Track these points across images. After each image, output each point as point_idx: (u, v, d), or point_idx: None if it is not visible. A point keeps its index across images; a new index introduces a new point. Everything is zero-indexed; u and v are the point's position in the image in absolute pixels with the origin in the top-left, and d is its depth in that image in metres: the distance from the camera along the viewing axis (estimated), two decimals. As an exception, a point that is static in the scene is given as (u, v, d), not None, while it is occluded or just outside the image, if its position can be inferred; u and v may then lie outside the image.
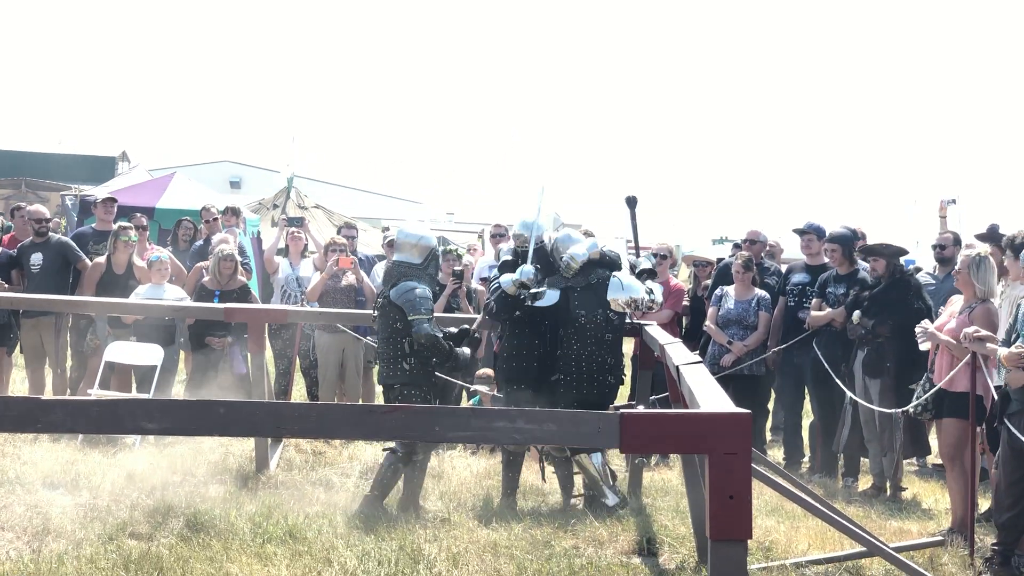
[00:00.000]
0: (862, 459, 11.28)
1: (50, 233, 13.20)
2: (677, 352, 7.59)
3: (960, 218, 14.91)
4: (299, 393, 13.56)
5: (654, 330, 9.64)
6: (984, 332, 8.50)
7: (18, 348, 13.12)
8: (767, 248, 13.35)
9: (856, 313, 10.78)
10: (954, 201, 13.37)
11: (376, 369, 9.98)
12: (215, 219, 14.70)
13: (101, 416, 4.48)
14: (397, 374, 9.49)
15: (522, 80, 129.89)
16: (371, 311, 10.26)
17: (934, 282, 11.72)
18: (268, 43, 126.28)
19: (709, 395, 5.36)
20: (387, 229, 10.83)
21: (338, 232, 14.63)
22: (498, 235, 14.36)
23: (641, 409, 9.03)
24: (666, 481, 10.71)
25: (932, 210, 13.53)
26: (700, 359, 7.08)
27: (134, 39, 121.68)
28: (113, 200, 14.21)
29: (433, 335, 9.36)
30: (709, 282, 12.87)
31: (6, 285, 12.46)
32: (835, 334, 11.17)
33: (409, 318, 9.32)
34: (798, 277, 11.94)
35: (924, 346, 9.52)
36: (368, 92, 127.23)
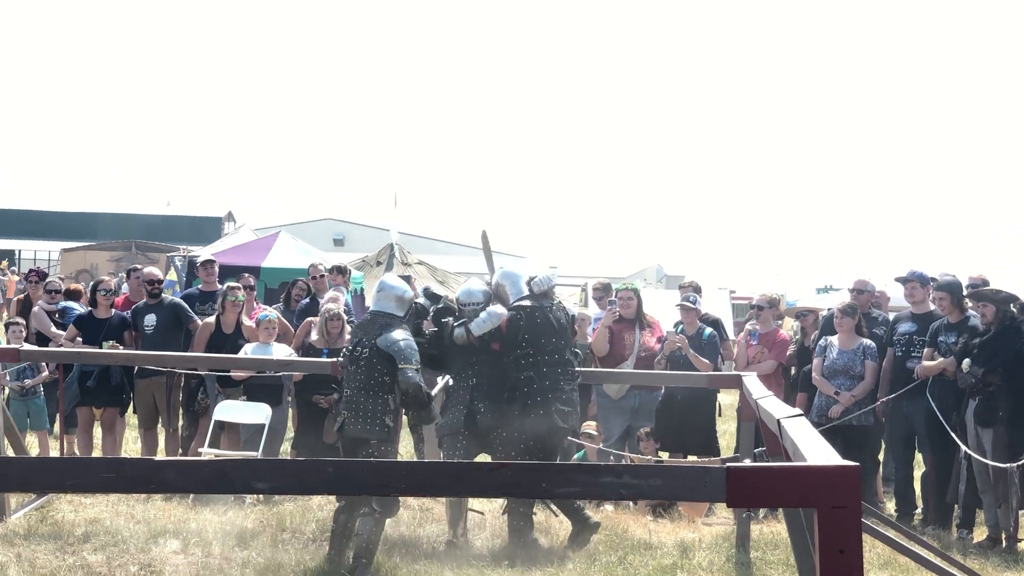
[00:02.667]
0: (977, 510, 11.08)
1: (163, 294, 13.49)
2: (774, 406, 7.53)
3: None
4: (405, 449, 13.63)
5: (751, 382, 9.58)
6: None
7: (131, 408, 13.37)
8: (874, 297, 13.19)
9: (966, 361, 10.62)
10: None
11: (343, 421, 9.64)
12: (322, 276, 14.88)
13: (212, 476, 4.54)
14: (376, 430, 9.35)
15: (626, 132, 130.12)
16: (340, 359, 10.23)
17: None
18: (369, 101, 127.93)
19: (814, 448, 5.31)
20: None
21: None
22: (601, 288, 14.38)
23: (747, 462, 8.97)
24: (776, 534, 10.60)
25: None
26: (800, 412, 7.02)
27: (238, 103, 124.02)
28: (212, 262, 14.52)
29: (419, 384, 9.33)
30: (817, 332, 12.74)
31: (120, 346, 12.75)
32: (947, 383, 11.01)
33: (400, 366, 9.26)
34: (905, 327, 11.79)
35: None
36: (469, 147, 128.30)
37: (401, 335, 9.40)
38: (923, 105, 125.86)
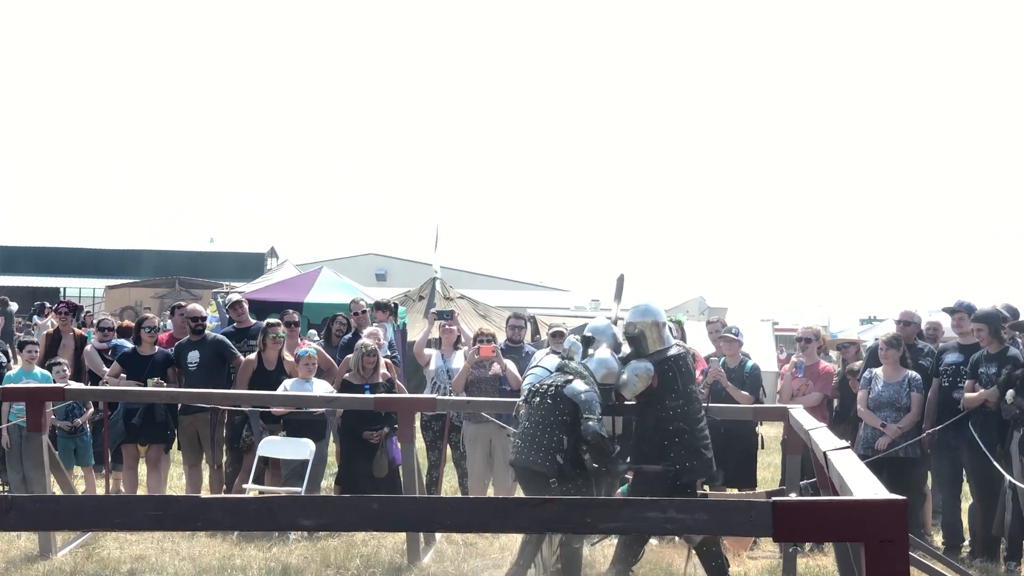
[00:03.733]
0: (1024, 542, 10.97)
1: (206, 331, 13.57)
2: (823, 438, 7.49)
3: None
4: (450, 484, 13.64)
5: (799, 414, 9.54)
6: None
7: (176, 444, 13.42)
8: (927, 329, 13.12)
9: (1009, 392, 10.55)
10: None
11: (513, 450, 9.71)
12: (364, 312, 14.93)
13: (258, 513, 4.57)
14: (546, 464, 9.25)
15: (668, 165, 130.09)
16: (520, 399, 10.05)
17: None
18: (409, 137, 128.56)
19: (861, 481, 5.28)
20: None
21: (507, 322, 14.66)
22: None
23: (793, 496, 8.93)
24: (822, 568, 10.53)
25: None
26: (847, 444, 6.97)
27: (280, 139, 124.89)
28: (240, 302, 14.72)
29: (600, 433, 9.30)
30: (857, 364, 12.69)
31: (164, 383, 12.82)
32: (990, 415, 10.94)
33: (584, 415, 9.27)
34: (951, 357, 11.71)
35: None
36: (511, 180, 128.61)
37: (585, 386, 9.45)
38: (971, 137, 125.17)
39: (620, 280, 11.38)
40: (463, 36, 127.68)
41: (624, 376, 9.85)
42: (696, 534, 9.05)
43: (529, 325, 25.43)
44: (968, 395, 11.14)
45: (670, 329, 10.23)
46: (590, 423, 9.26)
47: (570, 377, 9.52)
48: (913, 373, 11.77)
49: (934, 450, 11.75)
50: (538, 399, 9.53)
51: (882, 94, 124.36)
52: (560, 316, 27.86)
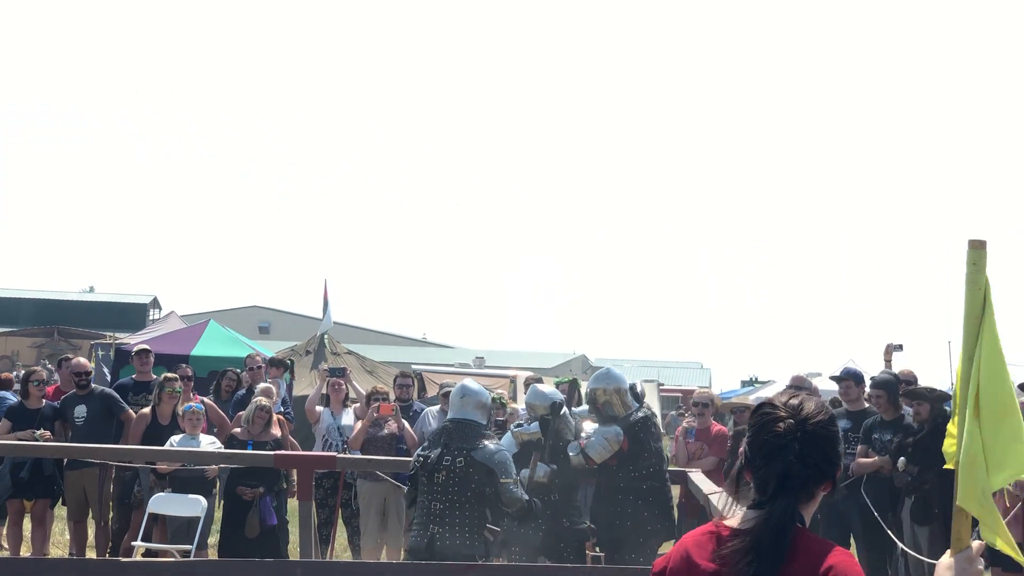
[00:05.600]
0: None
1: (92, 385, 13.32)
2: (722, 502, 7.57)
3: (906, 364, 15.00)
4: (340, 543, 13.51)
5: (698, 478, 9.64)
6: (1035, 480, 8.48)
7: (61, 500, 13.14)
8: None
9: (901, 460, 10.74)
10: (901, 347, 13.47)
11: (432, 535, 9.10)
12: (259, 367, 14.80)
13: (178, 577, 4.52)
14: (478, 545, 8.20)
15: (548, 218, 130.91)
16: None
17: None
18: (295, 188, 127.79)
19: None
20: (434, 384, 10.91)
21: (394, 381, 14.63)
22: (535, 382, 14.39)
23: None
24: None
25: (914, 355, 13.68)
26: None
27: (163, 186, 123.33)
28: (148, 351, 14.37)
29: (522, 498, 8.57)
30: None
31: (49, 435, 12.54)
32: (881, 481, 11.12)
33: (501, 480, 8.48)
34: (840, 424, 11.85)
35: None
36: (396, 236, 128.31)
37: (495, 446, 8.70)
38: (839, 208, 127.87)
39: (574, 384, 11.42)
40: (345, 89, 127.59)
41: (593, 439, 9.68)
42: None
43: (416, 382, 25.42)
44: (861, 461, 11.33)
45: (633, 394, 10.20)
46: (511, 488, 8.51)
47: (476, 435, 8.75)
48: (805, 439, 11.94)
49: (822, 515, 11.92)
50: (442, 475, 8.63)
51: (763, 154, 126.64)
52: (445, 373, 27.81)
